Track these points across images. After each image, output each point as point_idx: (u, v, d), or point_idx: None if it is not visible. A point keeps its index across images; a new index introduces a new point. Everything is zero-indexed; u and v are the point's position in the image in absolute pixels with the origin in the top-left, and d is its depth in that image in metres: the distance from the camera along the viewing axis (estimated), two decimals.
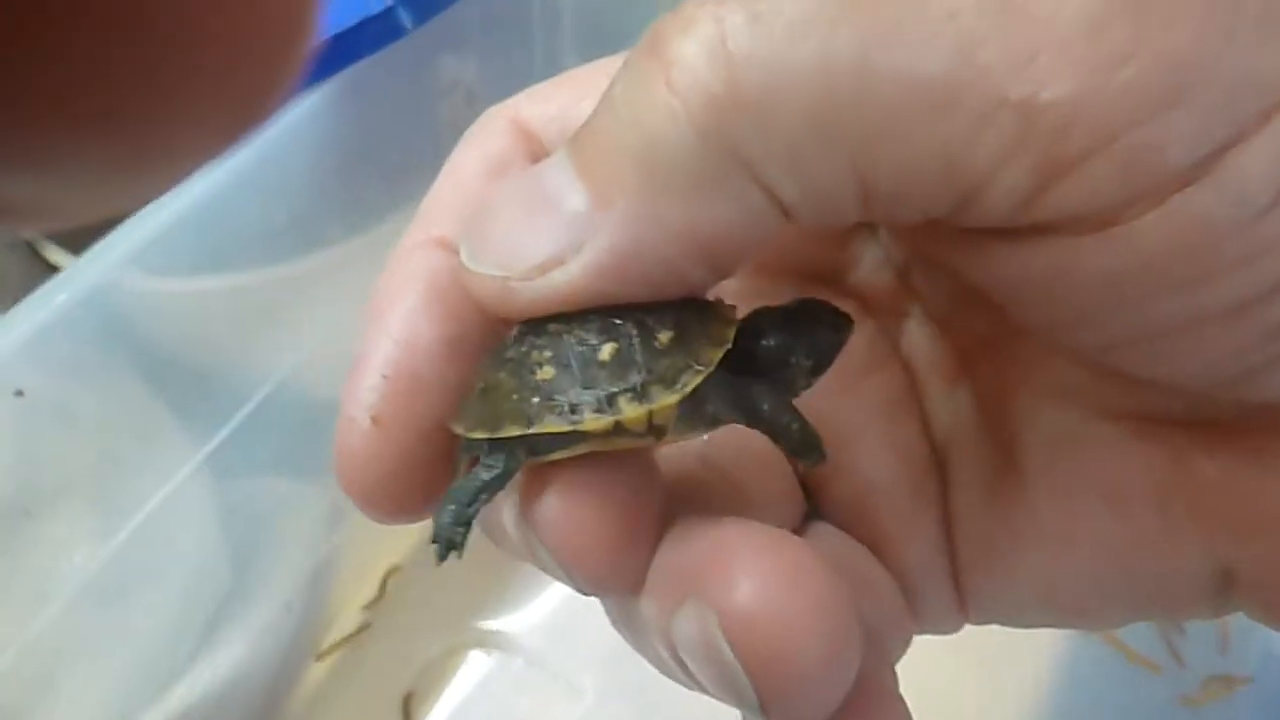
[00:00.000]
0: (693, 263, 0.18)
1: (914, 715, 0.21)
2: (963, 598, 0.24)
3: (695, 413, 0.20)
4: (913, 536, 0.24)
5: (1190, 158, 0.16)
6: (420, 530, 0.58)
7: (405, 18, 0.45)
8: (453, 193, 0.24)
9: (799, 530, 0.24)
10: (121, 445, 0.41)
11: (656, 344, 0.19)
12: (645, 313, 0.19)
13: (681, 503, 0.21)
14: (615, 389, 0.19)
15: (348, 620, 0.55)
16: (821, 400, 0.22)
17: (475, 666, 0.54)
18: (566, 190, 0.18)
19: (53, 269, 0.43)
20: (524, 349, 0.20)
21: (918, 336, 0.25)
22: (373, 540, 0.57)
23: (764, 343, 0.21)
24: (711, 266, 0.18)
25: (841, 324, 0.21)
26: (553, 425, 0.19)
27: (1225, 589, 0.20)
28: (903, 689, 0.21)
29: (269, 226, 0.44)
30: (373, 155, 0.47)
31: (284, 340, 0.47)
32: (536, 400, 0.19)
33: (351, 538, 0.55)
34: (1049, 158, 0.16)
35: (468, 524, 0.22)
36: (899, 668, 0.23)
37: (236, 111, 0.10)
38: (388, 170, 0.49)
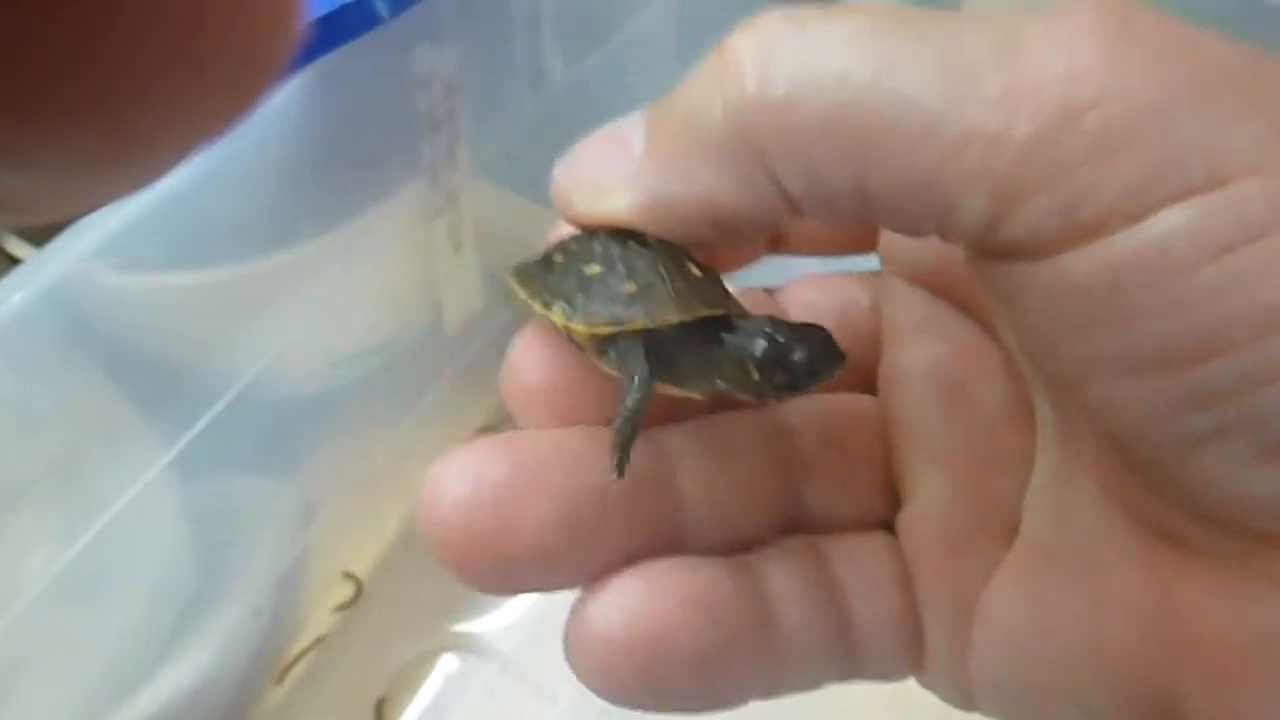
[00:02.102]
0: (704, 223, 0.22)
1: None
2: (920, 650, 0.25)
3: (619, 356, 0.23)
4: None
5: (1125, 203, 0.18)
6: (391, 531, 0.57)
7: (382, 6, 0.43)
8: None
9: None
10: (85, 445, 0.40)
11: (629, 286, 0.23)
12: (674, 258, 0.23)
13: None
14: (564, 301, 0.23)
15: (318, 624, 0.54)
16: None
17: (449, 671, 0.53)
18: (634, 137, 0.22)
19: (13, 261, 0.42)
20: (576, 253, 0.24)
21: None
22: (344, 542, 0.56)
23: (745, 340, 0.23)
24: (719, 231, 0.22)
25: (831, 361, 0.23)
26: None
27: (1168, 711, 0.21)
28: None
29: (239, 221, 0.42)
30: (347, 148, 0.46)
31: (255, 338, 0.46)
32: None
33: (322, 540, 0.54)
34: (1003, 188, 0.18)
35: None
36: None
37: (225, 98, 0.10)
38: (363, 163, 0.48)
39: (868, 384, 0.28)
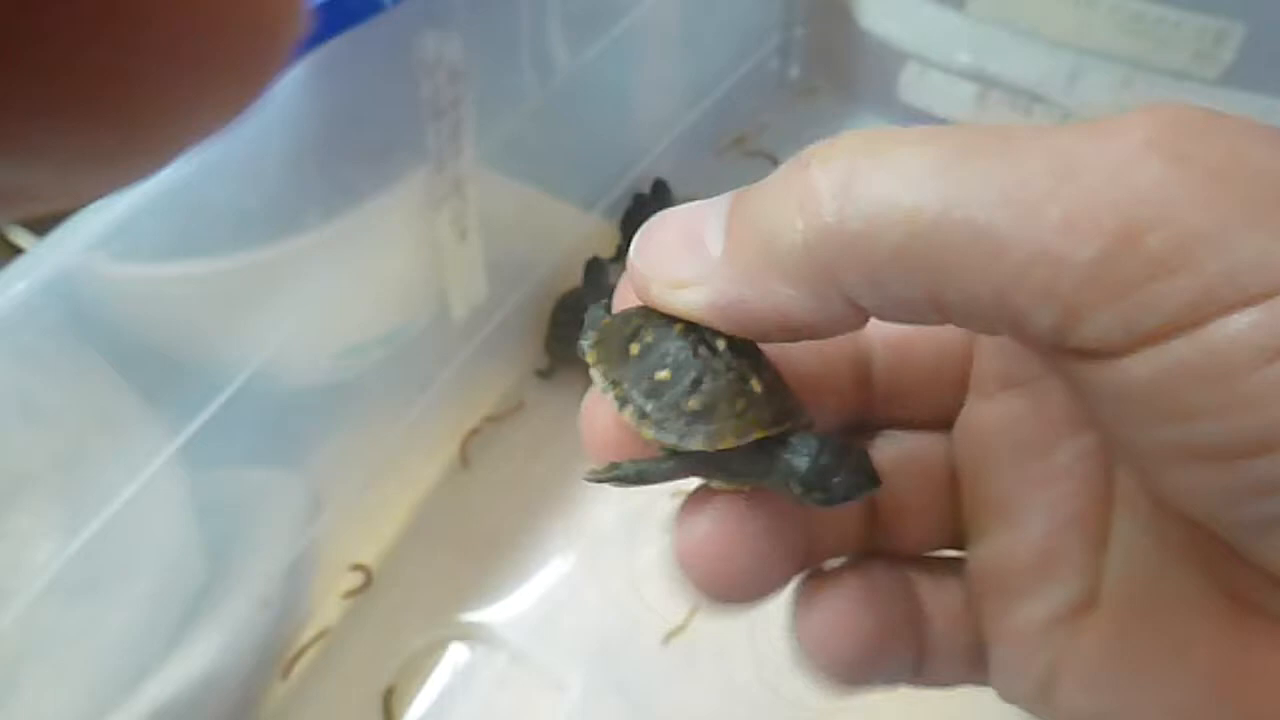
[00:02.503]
0: (776, 329, 0.23)
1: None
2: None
3: (674, 460, 0.26)
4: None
5: (1184, 314, 0.19)
6: (399, 522, 0.57)
7: None
8: None
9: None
10: (89, 436, 0.40)
11: (693, 403, 0.25)
12: (745, 363, 0.25)
13: None
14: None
15: (326, 615, 0.54)
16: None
17: (458, 660, 0.53)
18: (713, 236, 0.24)
19: (15, 250, 0.41)
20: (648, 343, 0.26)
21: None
22: (352, 533, 0.55)
23: (793, 457, 0.25)
24: (791, 335, 0.23)
25: (866, 487, 0.25)
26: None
27: None
28: None
29: (242, 210, 0.42)
30: (351, 136, 0.46)
31: (259, 328, 0.45)
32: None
33: (330, 531, 0.53)
34: (1069, 305, 0.20)
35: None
36: None
37: (229, 89, 0.10)
38: (367, 151, 0.48)
39: (948, 422, 0.29)
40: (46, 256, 0.36)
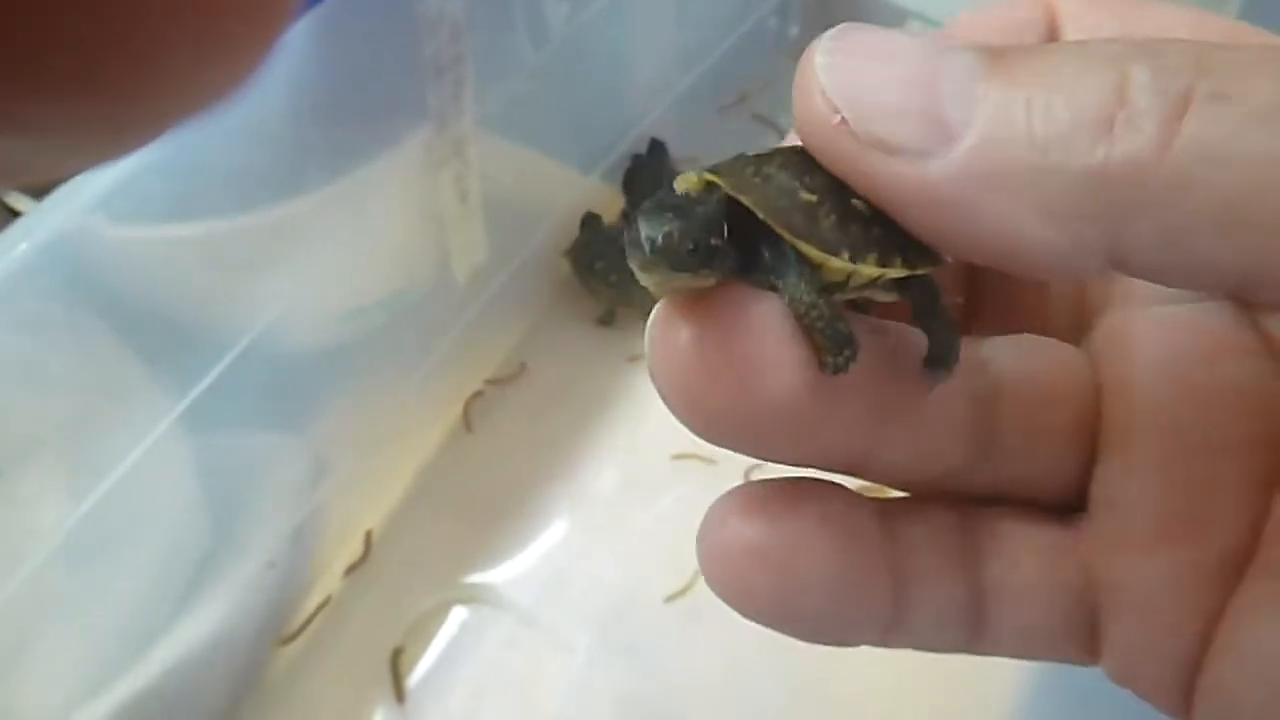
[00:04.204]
0: (987, 254, 0.18)
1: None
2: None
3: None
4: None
5: None
6: (404, 484, 0.57)
7: None
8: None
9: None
10: (92, 401, 0.40)
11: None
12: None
13: None
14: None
15: (332, 578, 0.54)
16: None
17: (465, 622, 0.53)
18: (957, 105, 0.17)
19: (13, 214, 0.41)
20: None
21: None
22: (356, 496, 0.55)
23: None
24: (994, 264, 0.18)
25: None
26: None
27: None
28: None
29: (242, 171, 0.42)
30: (353, 95, 0.45)
31: (262, 290, 0.45)
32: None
33: (335, 494, 0.53)
34: None
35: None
36: None
37: (228, 58, 0.10)
38: (369, 111, 0.47)
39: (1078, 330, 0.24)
40: (45, 219, 0.35)
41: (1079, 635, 0.23)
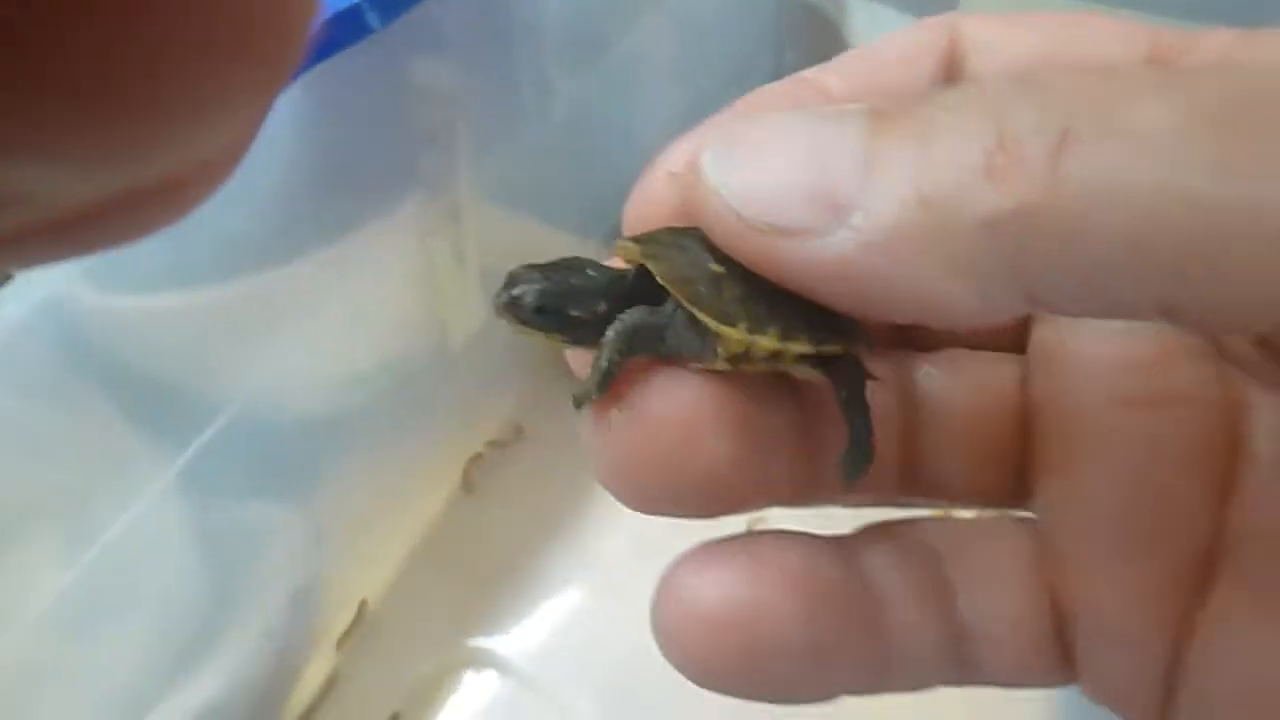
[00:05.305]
0: (913, 315, 0.17)
1: None
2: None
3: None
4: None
5: None
6: (404, 550, 0.57)
7: (372, 17, 0.43)
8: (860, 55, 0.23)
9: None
10: (85, 465, 0.40)
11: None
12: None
13: None
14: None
15: (331, 645, 0.53)
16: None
17: (467, 687, 0.52)
18: (849, 176, 0.17)
19: (6, 277, 0.41)
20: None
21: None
22: (356, 563, 0.55)
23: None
24: (923, 321, 0.18)
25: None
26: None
27: None
28: None
29: (231, 237, 0.42)
30: (342, 161, 0.46)
31: (255, 357, 0.45)
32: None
33: (334, 561, 0.53)
34: None
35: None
36: None
37: (251, 83, 0.10)
38: (359, 180, 0.48)
39: (1017, 344, 0.24)
40: (35, 281, 0.36)
41: (1056, 659, 0.22)
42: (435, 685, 0.52)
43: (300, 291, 0.46)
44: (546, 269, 0.21)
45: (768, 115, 0.19)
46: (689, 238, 0.21)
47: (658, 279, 0.20)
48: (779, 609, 0.20)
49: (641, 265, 0.21)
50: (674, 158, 0.22)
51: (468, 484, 0.59)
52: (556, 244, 0.65)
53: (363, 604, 0.54)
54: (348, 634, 0.53)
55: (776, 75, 0.80)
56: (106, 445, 0.41)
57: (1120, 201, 0.15)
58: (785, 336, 0.20)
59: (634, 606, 0.55)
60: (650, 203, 0.22)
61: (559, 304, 0.20)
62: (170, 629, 0.45)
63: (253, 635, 0.48)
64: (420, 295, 0.54)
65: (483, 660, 0.53)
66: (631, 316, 0.20)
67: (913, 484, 0.23)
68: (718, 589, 0.21)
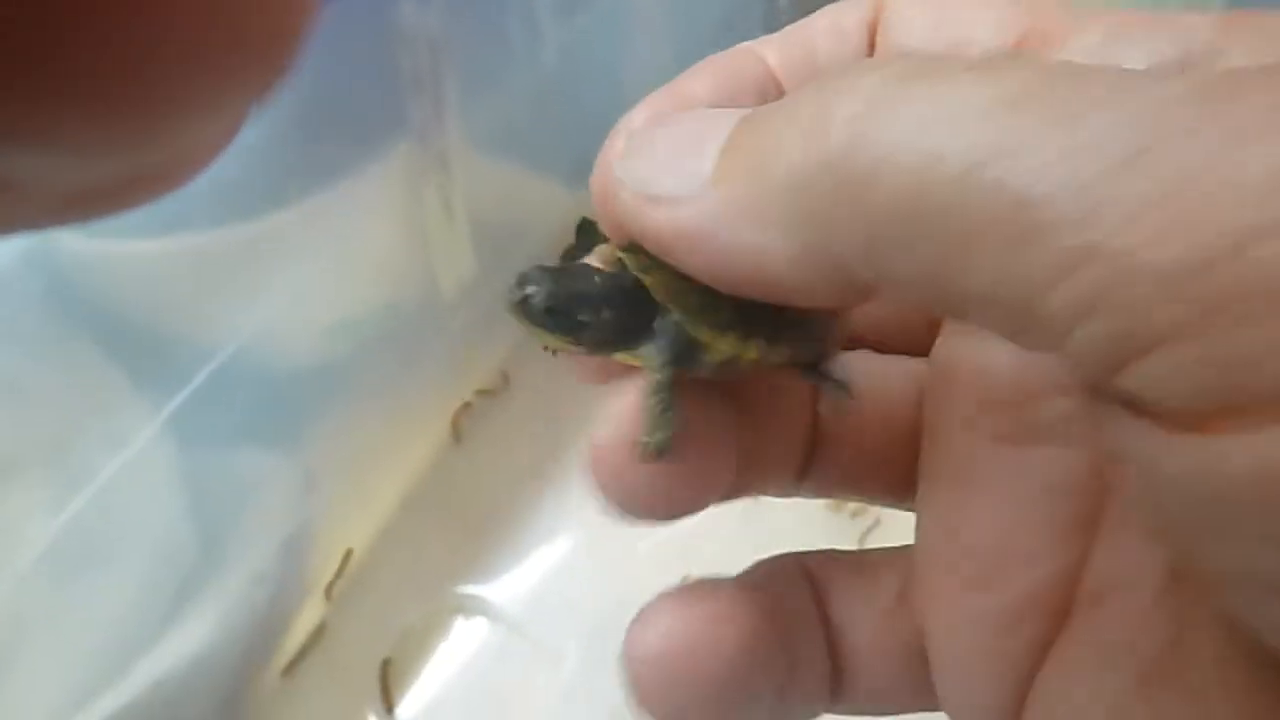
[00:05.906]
0: (748, 280, 0.19)
1: None
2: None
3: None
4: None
5: None
6: (394, 497, 0.57)
7: None
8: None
9: None
10: (74, 412, 0.40)
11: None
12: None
13: None
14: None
15: (321, 592, 0.54)
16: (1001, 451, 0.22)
17: (455, 633, 0.53)
18: (710, 150, 0.19)
19: None
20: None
21: None
22: (346, 509, 0.55)
23: None
24: (767, 292, 0.19)
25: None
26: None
27: None
28: None
29: (221, 183, 0.42)
30: (331, 108, 0.46)
31: (245, 303, 0.45)
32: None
33: (325, 507, 0.53)
34: (1127, 327, 0.14)
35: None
36: None
37: (252, 71, 0.10)
38: (348, 124, 0.48)
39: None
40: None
41: (923, 690, 0.23)
42: (425, 632, 0.52)
43: (289, 239, 0.46)
44: (555, 272, 0.22)
45: (672, 116, 0.21)
46: None
47: (654, 295, 0.21)
48: (709, 643, 0.23)
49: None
50: (636, 119, 0.23)
51: (456, 433, 0.59)
52: (544, 193, 0.65)
53: (348, 553, 0.54)
54: (333, 583, 0.53)
55: (768, 19, 0.79)
56: (95, 392, 0.41)
57: (903, 164, 0.16)
58: (770, 343, 0.22)
59: (619, 554, 0.56)
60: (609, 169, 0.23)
61: (568, 306, 0.22)
62: (159, 577, 0.45)
63: (242, 583, 0.49)
64: (409, 243, 0.54)
65: (472, 607, 0.53)
66: (661, 345, 0.22)
67: (823, 479, 0.25)
68: (658, 633, 0.23)
